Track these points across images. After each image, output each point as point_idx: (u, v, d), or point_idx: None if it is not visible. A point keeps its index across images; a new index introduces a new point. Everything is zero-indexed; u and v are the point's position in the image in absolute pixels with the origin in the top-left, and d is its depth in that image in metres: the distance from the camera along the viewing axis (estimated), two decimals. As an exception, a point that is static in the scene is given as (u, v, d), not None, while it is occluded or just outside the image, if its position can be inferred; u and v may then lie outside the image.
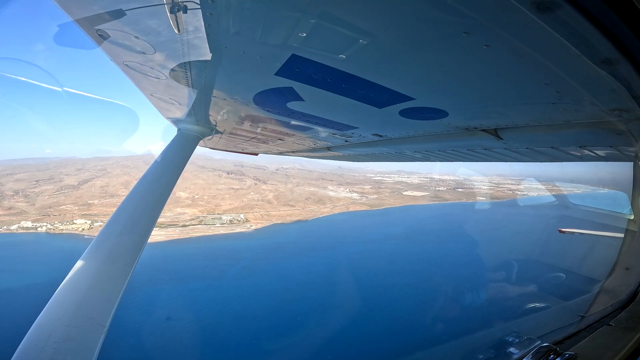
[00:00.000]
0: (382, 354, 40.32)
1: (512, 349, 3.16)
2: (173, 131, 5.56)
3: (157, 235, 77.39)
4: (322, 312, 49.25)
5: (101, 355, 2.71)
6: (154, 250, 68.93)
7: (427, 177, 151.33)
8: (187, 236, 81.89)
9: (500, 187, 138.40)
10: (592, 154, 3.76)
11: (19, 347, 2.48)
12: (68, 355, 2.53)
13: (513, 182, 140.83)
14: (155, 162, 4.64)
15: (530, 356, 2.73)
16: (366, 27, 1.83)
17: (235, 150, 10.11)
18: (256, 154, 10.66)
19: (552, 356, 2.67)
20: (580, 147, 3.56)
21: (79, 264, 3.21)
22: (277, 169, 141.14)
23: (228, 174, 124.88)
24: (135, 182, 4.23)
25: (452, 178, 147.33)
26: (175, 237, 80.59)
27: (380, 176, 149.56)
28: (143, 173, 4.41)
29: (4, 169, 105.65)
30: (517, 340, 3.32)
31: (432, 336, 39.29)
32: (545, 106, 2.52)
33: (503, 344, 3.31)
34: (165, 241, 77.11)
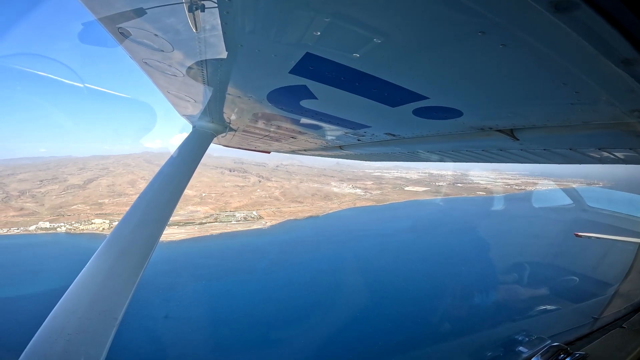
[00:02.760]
0: (393, 345, 43.01)
1: (521, 348, 3.15)
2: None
3: (178, 233, 79.98)
4: (353, 300, 53.94)
5: (117, 347, 2.78)
6: (182, 249, 73.00)
7: (425, 173, 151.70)
8: (207, 234, 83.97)
9: (497, 182, 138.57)
10: (611, 157, 3.70)
11: (33, 338, 2.53)
12: (80, 346, 2.58)
13: (510, 176, 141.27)
14: (171, 158, 4.69)
15: (540, 355, 2.72)
16: (380, 26, 1.83)
17: (248, 148, 10.17)
18: (268, 152, 10.68)
19: (562, 356, 2.68)
20: (598, 149, 3.51)
21: (94, 258, 3.28)
22: (277, 166, 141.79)
23: (230, 171, 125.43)
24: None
25: (450, 173, 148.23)
26: (196, 234, 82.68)
27: (379, 172, 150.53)
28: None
29: (4, 169, 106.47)
30: (527, 339, 3.31)
31: (443, 331, 41.53)
32: (563, 106, 2.48)
33: (512, 342, 3.30)
34: (188, 239, 79.27)
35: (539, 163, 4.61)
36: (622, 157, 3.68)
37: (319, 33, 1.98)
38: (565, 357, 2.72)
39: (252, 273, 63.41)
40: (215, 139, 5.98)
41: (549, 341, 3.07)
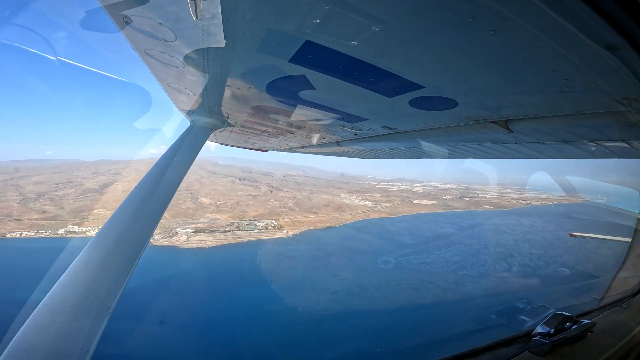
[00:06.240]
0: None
1: (523, 317, 3.10)
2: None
3: (206, 240, 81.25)
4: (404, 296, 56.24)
5: (112, 337, 2.72)
6: (217, 254, 75.71)
7: (430, 186, 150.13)
8: (234, 241, 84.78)
9: (503, 197, 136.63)
10: (605, 149, 3.68)
11: (23, 326, 2.48)
12: (72, 335, 2.55)
13: (514, 191, 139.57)
14: (169, 150, 4.69)
15: (545, 323, 2.67)
16: (377, 13, 1.89)
17: (245, 146, 10.09)
18: (265, 151, 10.52)
19: (568, 324, 2.63)
20: (591, 141, 3.50)
21: (88, 247, 3.27)
22: (284, 176, 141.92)
23: (240, 180, 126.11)
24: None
25: (454, 187, 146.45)
26: (224, 242, 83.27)
27: (384, 184, 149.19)
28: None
29: (15, 170, 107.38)
30: (529, 307, 3.25)
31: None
32: (554, 94, 2.51)
33: (515, 310, 3.24)
34: (217, 246, 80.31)
35: (533, 158, 4.58)
36: (615, 150, 3.66)
37: (318, 21, 2.03)
38: (572, 326, 2.69)
39: (293, 279, 65.26)
40: (212, 135, 5.97)
41: (552, 310, 3.02)
